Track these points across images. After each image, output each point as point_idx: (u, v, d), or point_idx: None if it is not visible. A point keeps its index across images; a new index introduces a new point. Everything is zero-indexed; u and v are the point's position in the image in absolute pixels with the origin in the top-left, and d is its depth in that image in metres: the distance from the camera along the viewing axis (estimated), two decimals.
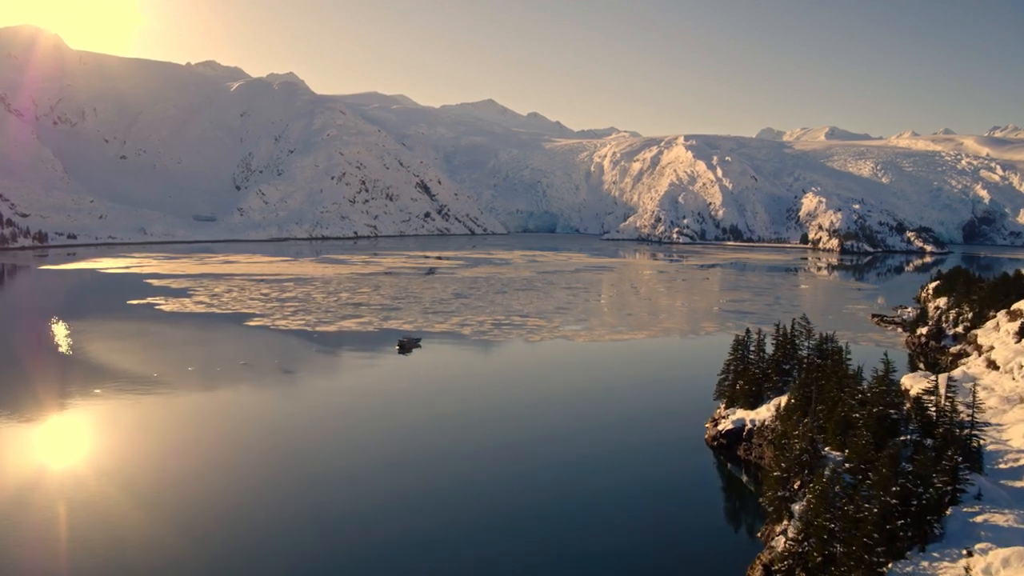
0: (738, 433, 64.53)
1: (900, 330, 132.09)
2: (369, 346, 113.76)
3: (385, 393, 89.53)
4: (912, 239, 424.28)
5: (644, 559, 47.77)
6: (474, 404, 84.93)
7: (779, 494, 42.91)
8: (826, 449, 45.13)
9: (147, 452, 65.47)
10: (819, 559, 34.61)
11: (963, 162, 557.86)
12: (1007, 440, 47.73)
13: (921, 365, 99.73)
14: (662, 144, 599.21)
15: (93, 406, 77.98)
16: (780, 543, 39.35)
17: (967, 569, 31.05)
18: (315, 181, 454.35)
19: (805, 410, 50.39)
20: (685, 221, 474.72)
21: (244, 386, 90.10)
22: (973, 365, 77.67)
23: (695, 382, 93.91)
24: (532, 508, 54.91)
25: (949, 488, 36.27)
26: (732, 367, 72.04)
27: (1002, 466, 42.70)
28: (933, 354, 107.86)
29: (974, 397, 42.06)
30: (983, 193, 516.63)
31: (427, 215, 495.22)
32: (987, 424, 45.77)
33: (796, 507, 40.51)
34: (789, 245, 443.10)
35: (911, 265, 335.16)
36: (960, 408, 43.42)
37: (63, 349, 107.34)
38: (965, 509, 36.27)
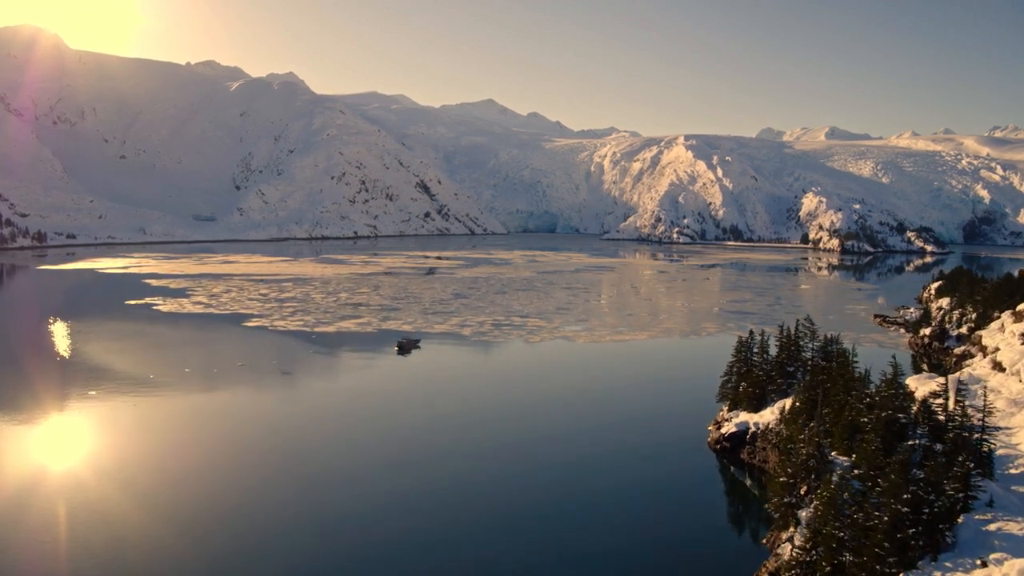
0: (741, 436, 63.58)
1: (903, 331, 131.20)
2: (368, 347, 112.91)
3: (384, 394, 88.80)
4: (913, 239, 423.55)
5: (645, 561, 47.23)
6: (473, 405, 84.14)
7: (785, 500, 42.05)
8: (833, 454, 44.26)
9: (146, 452, 64.96)
10: (828, 569, 33.72)
11: (963, 162, 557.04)
12: (1016, 444, 46.83)
13: (924, 366, 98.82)
14: (662, 144, 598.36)
15: (88, 408, 77.12)
16: (787, 551, 38.48)
17: None
18: (315, 181, 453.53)
19: (811, 414, 49.49)
20: (685, 221, 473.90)
21: (241, 387, 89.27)
22: (978, 367, 76.69)
23: (697, 383, 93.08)
24: (532, 509, 54.56)
25: (961, 495, 35.38)
26: (735, 369, 71.12)
27: (1013, 471, 41.77)
28: (936, 355, 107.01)
29: (985, 400, 41.10)
30: (983, 193, 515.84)
31: (427, 215, 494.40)
32: (996, 428, 44.79)
33: (803, 514, 39.65)
34: (789, 245, 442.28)
35: (912, 265, 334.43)
36: (969, 411, 42.43)
37: (59, 350, 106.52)
38: (977, 517, 35.32)
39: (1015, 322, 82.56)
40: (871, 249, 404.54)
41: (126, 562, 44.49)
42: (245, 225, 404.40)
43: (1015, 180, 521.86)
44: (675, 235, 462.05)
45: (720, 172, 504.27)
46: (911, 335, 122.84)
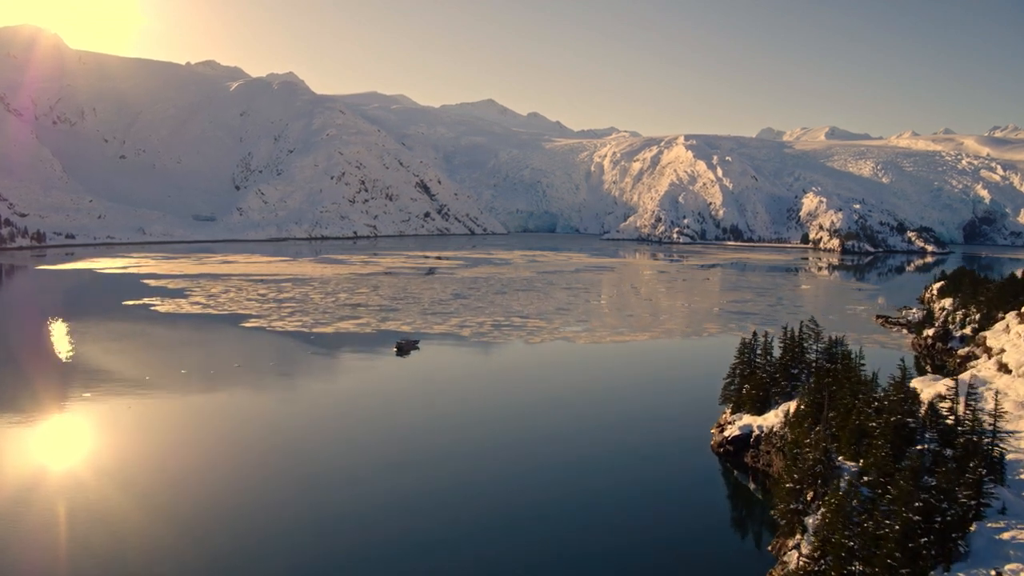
0: (745, 439, 62.65)
1: (905, 331, 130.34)
2: (366, 348, 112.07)
3: (383, 395, 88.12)
4: (913, 239, 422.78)
5: (646, 564, 46.88)
6: (473, 406, 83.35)
7: (791, 507, 41.14)
8: (839, 459, 43.34)
9: (145, 453, 64.63)
10: None
11: (963, 162, 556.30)
12: None
13: (928, 367, 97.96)
14: (662, 144, 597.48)
15: (84, 409, 76.39)
16: (793, 558, 37.60)
17: None
18: (314, 181, 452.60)
19: (816, 417, 48.58)
20: (685, 221, 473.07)
21: (239, 389, 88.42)
22: (983, 368, 75.79)
23: (699, 385, 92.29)
24: (532, 509, 54.42)
25: (973, 503, 34.45)
26: (738, 371, 70.24)
27: (1023, 477, 40.90)
28: (940, 356, 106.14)
29: (996, 404, 40.16)
30: (984, 193, 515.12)
31: (427, 215, 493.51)
32: (1007, 432, 43.84)
33: (810, 521, 38.74)
34: (790, 245, 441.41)
35: (912, 265, 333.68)
36: (979, 415, 41.47)
37: (54, 351, 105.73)
38: (990, 525, 34.39)
39: (1021, 323, 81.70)
40: (871, 249, 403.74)
41: (126, 562, 44.49)
42: (245, 225, 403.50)
43: (1015, 180, 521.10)
44: (675, 235, 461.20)
45: (720, 172, 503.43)
46: (914, 336, 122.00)
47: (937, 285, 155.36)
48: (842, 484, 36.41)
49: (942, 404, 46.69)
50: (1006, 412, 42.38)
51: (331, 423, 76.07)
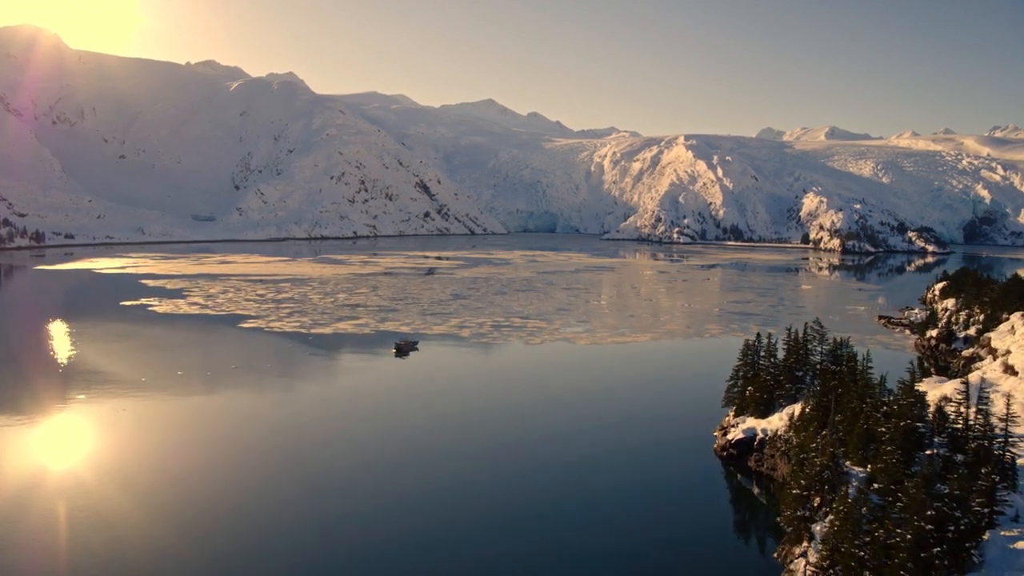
0: (749, 443, 61.74)
1: (908, 332, 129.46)
2: (365, 349, 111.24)
3: (382, 396, 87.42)
4: (914, 239, 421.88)
5: (646, 565, 46.61)
6: (472, 407, 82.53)
7: (798, 513, 40.23)
8: (847, 464, 42.40)
9: (145, 453, 64.30)
10: None
11: (964, 162, 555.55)
12: None
13: (932, 369, 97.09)
14: (662, 144, 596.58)
15: (78, 411, 75.55)
16: (800, 566, 36.74)
17: None
18: (314, 181, 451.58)
19: (823, 421, 47.70)
20: (685, 221, 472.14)
21: (235, 390, 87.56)
22: (988, 370, 74.95)
23: (701, 387, 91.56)
24: (532, 509, 54.36)
25: (986, 510, 33.54)
26: (741, 373, 69.37)
27: None
28: (944, 357, 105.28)
29: (1008, 408, 39.24)
30: (984, 193, 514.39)
31: (427, 215, 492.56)
32: (1017, 437, 42.90)
33: (817, 528, 37.85)
34: (790, 245, 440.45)
35: (913, 265, 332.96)
36: (988, 419, 40.51)
37: (50, 351, 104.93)
38: (1003, 533, 33.49)
39: None
40: (872, 249, 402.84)
41: (126, 562, 44.48)
42: (244, 225, 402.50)
43: (1016, 180, 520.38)
44: (675, 235, 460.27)
45: (720, 172, 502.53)
46: (917, 337, 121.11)
47: (939, 285, 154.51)
48: (851, 491, 35.50)
49: (949, 406, 45.86)
50: (1017, 416, 41.43)
51: (330, 423, 75.85)
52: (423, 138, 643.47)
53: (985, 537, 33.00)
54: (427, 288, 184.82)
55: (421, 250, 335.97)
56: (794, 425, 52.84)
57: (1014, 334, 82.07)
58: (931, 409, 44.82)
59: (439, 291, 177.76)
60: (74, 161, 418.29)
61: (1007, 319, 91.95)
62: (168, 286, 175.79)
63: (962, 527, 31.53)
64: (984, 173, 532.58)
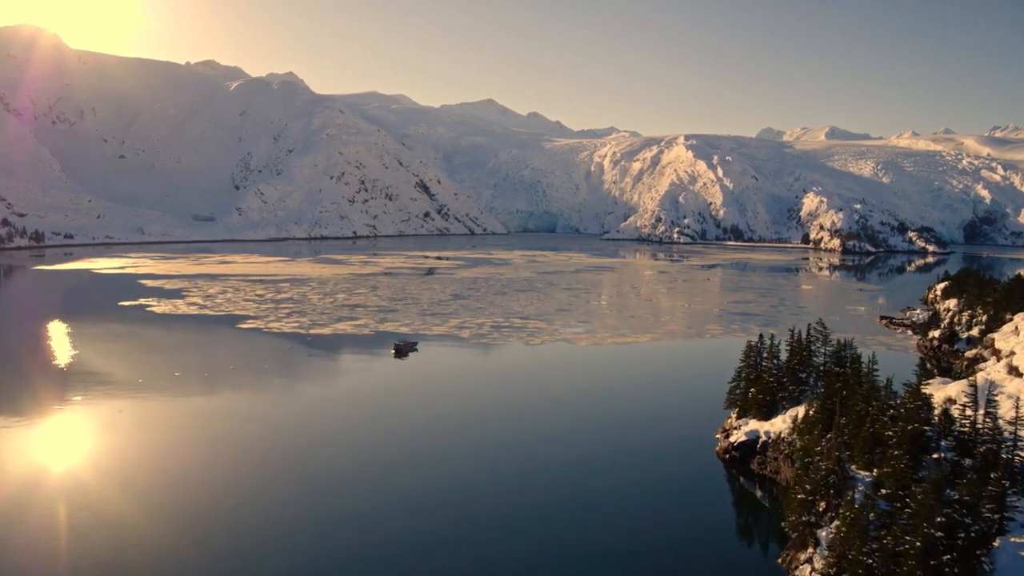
0: (751, 445, 61.06)
1: (910, 333, 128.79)
2: (364, 349, 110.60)
3: (380, 397, 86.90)
4: (914, 239, 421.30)
5: (646, 566, 46.37)
6: (472, 408, 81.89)
7: (803, 518, 39.57)
8: (852, 468, 41.73)
9: (142, 454, 63.72)
10: None
11: (964, 162, 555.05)
12: None
13: (935, 370, 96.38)
14: (662, 144, 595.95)
15: (73, 412, 74.97)
16: (806, 573, 36.12)
17: None
18: (314, 181, 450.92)
19: (827, 424, 47.04)
20: (686, 221, 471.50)
21: (233, 391, 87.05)
22: (992, 371, 74.31)
23: (702, 388, 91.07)
24: (532, 509, 54.25)
25: (996, 517, 32.88)
26: (744, 374, 68.70)
27: None
28: (946, 358, 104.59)
29: (1017, 411, 38.56)
30: (984, 193, 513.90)
31: (427, 215, 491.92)
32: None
33: (823, 534, 37.19)
34: (790, 245, 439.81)
35: (913, 265, 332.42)
36: (996, 422, 39.80)
37: (46, 352, 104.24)
38: (1014, 540, 32.82)
39: None
40: (872, 249, 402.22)
41: (126, 562, 44.48)
42: (244, 225, 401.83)
43: (1016, 180, 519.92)
44: (675, 235, 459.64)
45: (720, 172, 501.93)
46: (919, 337, 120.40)
47: (941, 286, 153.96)
48: (857, 496, 34.83)
49: (955, 409, 45.23)
50: (1015, 416, 40.70)
51: (329, 423, 75.62)
52: (423, 138, 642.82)
53: (996, 544, 32.33)
54: (427, 288, 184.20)
55: (421, 250, 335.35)
56: (798, 428, 52.19)
57: (1018, 335, 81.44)
58: (937, 412, 44.23)
59: (439, 291, 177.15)
60: (74, 161, 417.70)
61: (1011, 319, 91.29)
62: (167, 286, 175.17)
63: (973, 534, 30.89)
64: (984, 173, 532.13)
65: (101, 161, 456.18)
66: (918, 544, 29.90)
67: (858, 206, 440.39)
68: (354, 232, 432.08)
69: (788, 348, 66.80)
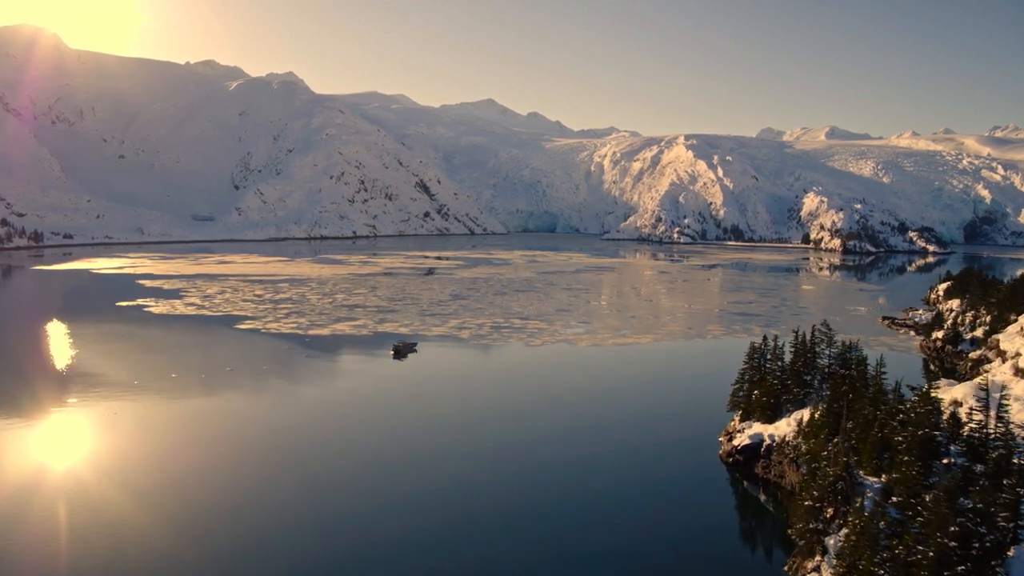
0: (755, 449, 60.18)
1: (913, 333, 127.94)
2: (363, 350, 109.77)
3: (380, 397, 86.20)
4: (915, 239, 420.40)
5: (647, 566, 46.03)
6: (471, 409, 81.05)
7: (810, 526, 38.70)
8: (860, 474, 40.83)
9: (141, 455, 62.96)
10: None
11: (964, 162, 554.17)
12: None
13: (939, 372, 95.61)
14: (662, 144, 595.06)
15: (67, 414, 74.09)
16: None
17: None
18: (314, 181, 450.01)
19: (834, 428, 46.17)
20: (686, 221, 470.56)
21: (230, 393, 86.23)
22: (998, 372, 73.51)
23: (704, 389, 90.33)
24: (532, 509, 54.03)
25: (1011, 525, 32.00)
26: (747, 376, 67.81)
27: None
28: (950, 359, 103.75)
29: None
30: (984, 193, 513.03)
31: (426, 215, 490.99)
32: None
33: (831, 542, 36.34)
34: (791, 245, 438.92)
35: (914, 265, 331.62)
36: (1008, 427, 38.84)
37: (42, 353, 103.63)
38: None
39: None
40: (873, 249, 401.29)
41: (126, 562, 44.42)
42: (243, 225, 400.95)
43: (1016, 180, 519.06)
44: (676, 235, 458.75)
45: (720, 172, 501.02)
46: (922, 338, 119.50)
47: (943, 286, 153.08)
48: (866, 503, 33.94)
49: (962, 410, 44.37)
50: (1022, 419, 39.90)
51: (328, 423, 75.26)
52: (423, 138, 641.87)
53: (1010, 554, 31.48)
54: (426, 288, 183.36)
55: (421, 250, 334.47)
56: (803, 431, 51.33)
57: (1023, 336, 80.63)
58: (944, 415, 43.36)
59: (438, 291, 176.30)
60: (73, 161, 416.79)
61: (1016, 320, 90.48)
62: (165, 286, 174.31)
63: (987, 544, 30.04)
64: (984, 173, 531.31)
65: (100, 161, 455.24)
66: (931, 554, 29.05)
67: (858, 206, 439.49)
68: (354, 232, 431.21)
69: (792, 350, 65.93)
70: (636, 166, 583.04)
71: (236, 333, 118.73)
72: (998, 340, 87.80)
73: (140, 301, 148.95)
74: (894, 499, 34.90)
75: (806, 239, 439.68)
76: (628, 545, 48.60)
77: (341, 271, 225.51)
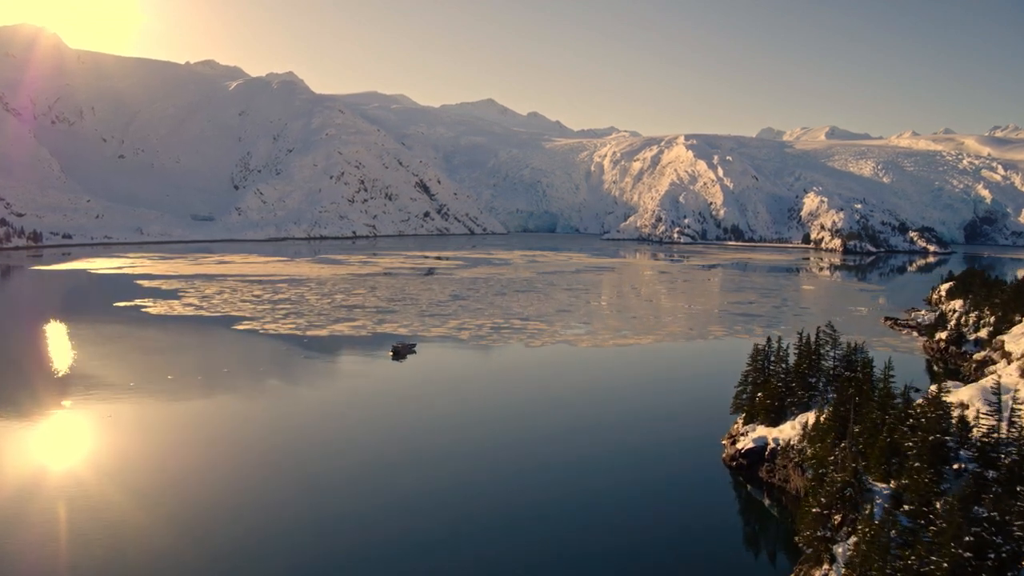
0: (759, 452, 59.32)
1: (915, 334, 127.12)
2: (361, 351, 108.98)
3: (379, 398, 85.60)
4: (915, 239, 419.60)
5: (646, 566, 45.72)
6: (471, 410, 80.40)
7: (818, 534, 37.87)
8: (869, 479, 39.95)
9: (142, 455, 62.36)
10: None
11: (964, 162, 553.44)
12: None
13: (943, 373, 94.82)
14: (662, 144, 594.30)
15: (64, 415, 73.31)
16: None
17: None
18: (313, 180, 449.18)
19: (840, 432, 45.34)
20: (686, 221, 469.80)
21: (227, 394, 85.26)
22: (1003, 374, 72.68)
23: (705, 390, 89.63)
24: (532, 509, 53.84)
25: None
26: (751, 378, 66.97)
27: None
28: (954, 360, 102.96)
29: None
30: (985, 193, 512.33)
31: (426, 215, 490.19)
32: None
33: (839, 550, 35.49)
34: (791, 245, 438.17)
35: (915, 265, 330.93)
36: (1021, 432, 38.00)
37: (39, 354, 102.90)
38: None
39: None
40: (873, 249, 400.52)
41: (126, 562, 44.44)
42: (243, 225, 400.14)
43: (1016, 180, 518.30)
44: (676, 235, 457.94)
45: (721, 172, 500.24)
46: (925, 339, 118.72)
47: (945, 286, 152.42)
48: (876, 510, 33.12)
49: (969, 413, 43.56)
50: None
51: (328, 424, 74.86)
52: (423, 138, 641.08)
53: None
54: (426, 289, 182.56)
55: (420, 250, 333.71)
56: (808, 435, 50.50)
57: None
58: (954, 419, 42.53)
59: (438, 292, 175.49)
60: (73, 161, 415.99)
61: (1020, 321, 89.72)
62: (164, 287, 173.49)
63: (1003, 554, 29.22)
64: (985, 173, 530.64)
65: (100, 161, 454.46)
66: (945, 565, 28.22)
67: (859, 206, 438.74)
68: (353, 232, 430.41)
69: (796, 351, 65.10)
70: (636, 166, 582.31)
71: (234, 334, 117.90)
72: (1003, 341, 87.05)
73: (138, 301, 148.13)
74: (905, 507, 34.07)
75: (806, 239, 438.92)
76: (628, 546, 48.18)
77: (340, 271, 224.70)
